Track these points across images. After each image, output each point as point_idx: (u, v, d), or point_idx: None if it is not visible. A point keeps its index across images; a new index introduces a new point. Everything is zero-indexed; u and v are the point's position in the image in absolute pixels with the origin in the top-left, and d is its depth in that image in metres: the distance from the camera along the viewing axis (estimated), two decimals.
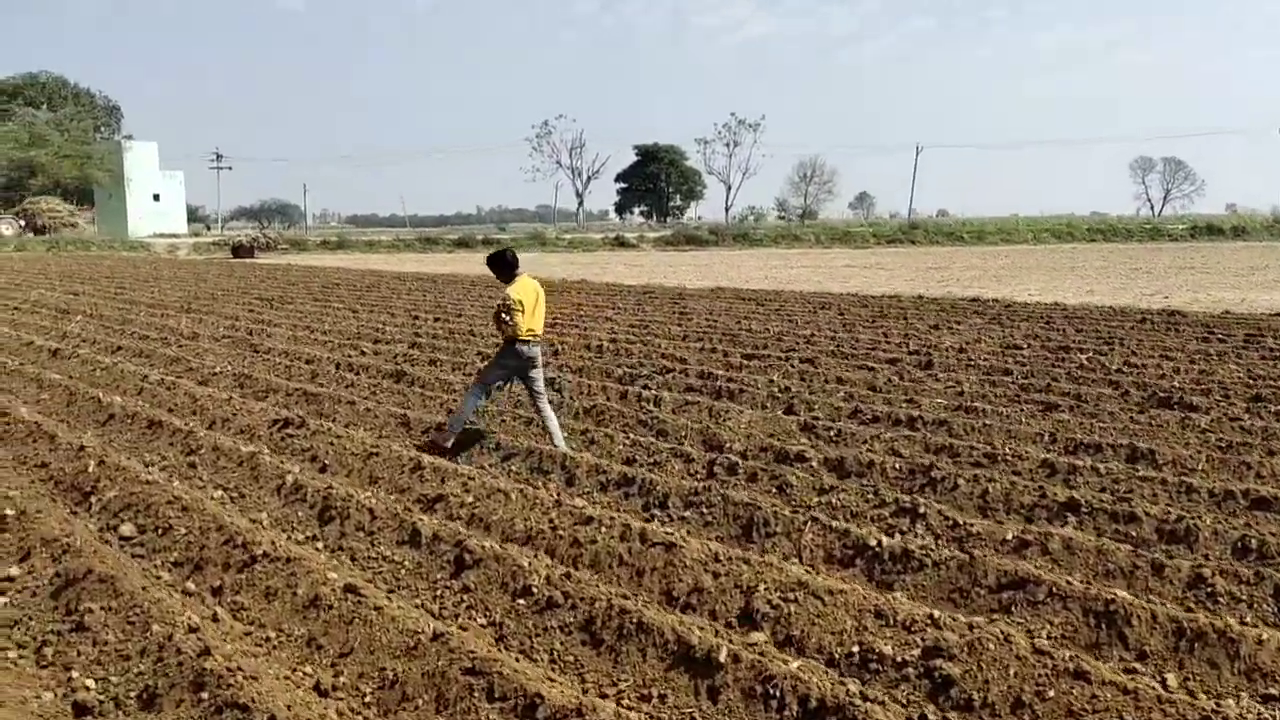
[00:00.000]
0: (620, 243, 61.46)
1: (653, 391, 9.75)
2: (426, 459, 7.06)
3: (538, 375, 7.77)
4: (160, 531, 5.87)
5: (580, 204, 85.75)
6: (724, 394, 9.78)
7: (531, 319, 7.49)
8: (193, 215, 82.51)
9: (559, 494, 6.27)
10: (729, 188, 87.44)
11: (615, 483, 6.58)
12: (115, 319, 17.66)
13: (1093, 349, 12.41)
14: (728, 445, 7.62)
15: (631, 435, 7.97)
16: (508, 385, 8.35)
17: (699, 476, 6.86)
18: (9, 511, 5.87)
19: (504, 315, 7.45)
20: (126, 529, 5.99)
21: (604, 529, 5.47)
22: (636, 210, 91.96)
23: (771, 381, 10.32)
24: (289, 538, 5.89)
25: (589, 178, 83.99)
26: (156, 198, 68.50)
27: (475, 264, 40.49)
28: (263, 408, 9.11)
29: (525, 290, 7.51)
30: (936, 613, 4.26)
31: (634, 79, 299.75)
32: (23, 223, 55.63)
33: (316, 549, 5.72)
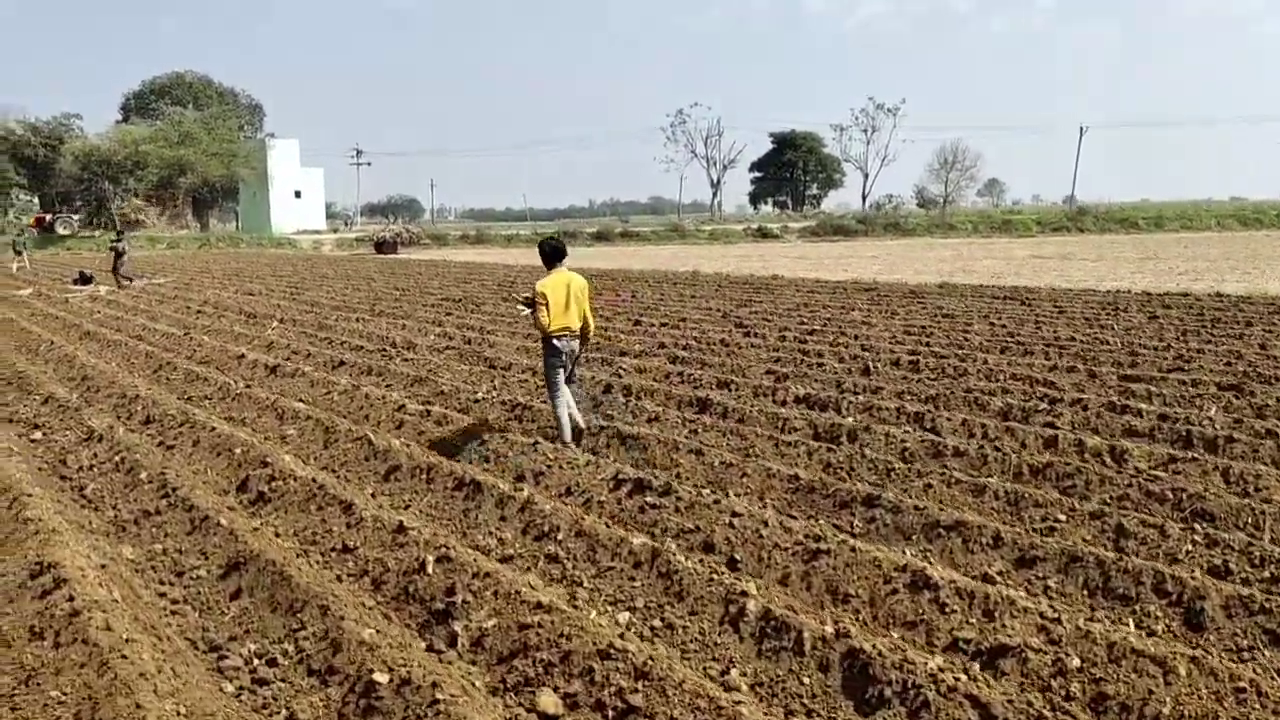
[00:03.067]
0: (762, 234, 58.68)
1: (1095, 439, 7.11)
2: (935, 572, 4.62)
3: (572, 369, 7.54)
4: (610, 713, 3.61)
5: (715, 194, 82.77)
6: (1194, 441, 7.06)
7: (563, 316, 7.15)
8: (327, 211, 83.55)
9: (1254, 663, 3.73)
10: (866, 175, 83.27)
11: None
12: (310, 324, 16.05)
13: None
14: None
15: (1161, 518, 5.37)
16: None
17: None
18: (380, 677, 3.70)
19: (525, 309, 7.30)
20: (547, 702, 3.76)
21: None
22: (770, 200, 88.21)
23: (1239, 422, 7.55)
24: None
25: (724, 166, 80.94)
26: (298, 194, 69.22)
27: (630, 258, 38.40)
28: (590, 461, 6.87)
29: (555, 285, 7.16)
30: None
31: (749, 66, 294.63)
32: (76, 218, 55.84)
33: None
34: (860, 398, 8.88)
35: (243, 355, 12.18)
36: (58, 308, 19.85)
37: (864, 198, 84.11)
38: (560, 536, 5.42)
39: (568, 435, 7.31)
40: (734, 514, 5.57)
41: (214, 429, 8.08)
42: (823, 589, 4.78)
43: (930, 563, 4.97)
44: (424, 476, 6.70)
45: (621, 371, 10.76)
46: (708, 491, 6.03)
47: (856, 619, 4.50)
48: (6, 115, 62.20)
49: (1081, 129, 74.27)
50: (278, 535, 5.88)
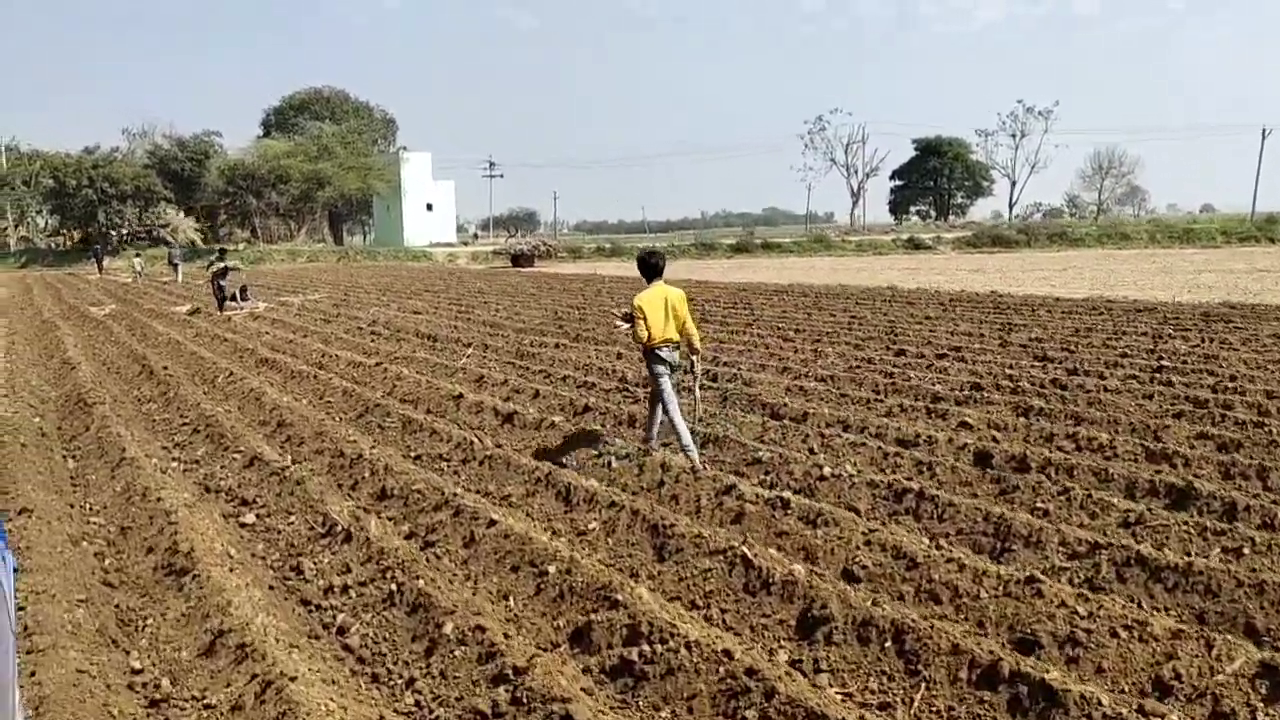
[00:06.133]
0: (914, 245, 54.83)
1: None
2: None
3: (677, 379, 7.34)
4: None
5: (856, 203, 78.55)
6: None
7: (662, 328, 7.10)
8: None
9: None
10: (1013, 183, 77.95)
11: None
12: (506, 351, 13.84)
13: None
14: None
15: None
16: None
17: None
18: None
19: (622, 323, 7.46)
20: None
21: None
22: (912, 210, 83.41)
23: None
24: None
25: (867, 175, 76.72)
26: (430, 207, 68.87)
27: (789, 271, 35.31)
28: (1139, 624, 4.11)
29: (653, 299, 7.12)
30: None
31: (875, 72, 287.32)
32: (114, 233, 54.40)
33: None
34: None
35: (460, 395, 9.91)
36: (221, 327, 18.35)
37: (1010, 206, 78.90)
38: None
39: (686, 444, 7.18)
40: None
41: (493, 522, 5.68)
42: None
43: None
44: (891, 644, 4.06)
45: (970, 427, 8.00)
46: None
47: None
48: (154, 129, 63.88)
49: (1264, 131, 67.30)
50: None
